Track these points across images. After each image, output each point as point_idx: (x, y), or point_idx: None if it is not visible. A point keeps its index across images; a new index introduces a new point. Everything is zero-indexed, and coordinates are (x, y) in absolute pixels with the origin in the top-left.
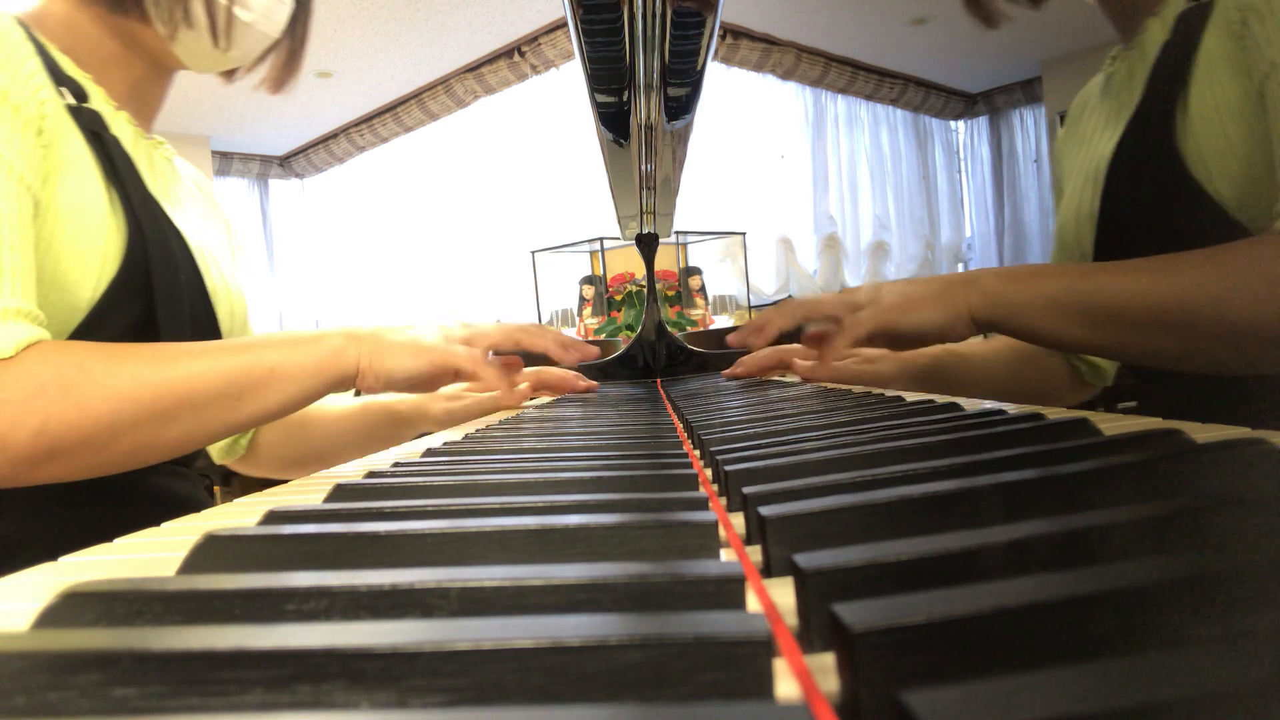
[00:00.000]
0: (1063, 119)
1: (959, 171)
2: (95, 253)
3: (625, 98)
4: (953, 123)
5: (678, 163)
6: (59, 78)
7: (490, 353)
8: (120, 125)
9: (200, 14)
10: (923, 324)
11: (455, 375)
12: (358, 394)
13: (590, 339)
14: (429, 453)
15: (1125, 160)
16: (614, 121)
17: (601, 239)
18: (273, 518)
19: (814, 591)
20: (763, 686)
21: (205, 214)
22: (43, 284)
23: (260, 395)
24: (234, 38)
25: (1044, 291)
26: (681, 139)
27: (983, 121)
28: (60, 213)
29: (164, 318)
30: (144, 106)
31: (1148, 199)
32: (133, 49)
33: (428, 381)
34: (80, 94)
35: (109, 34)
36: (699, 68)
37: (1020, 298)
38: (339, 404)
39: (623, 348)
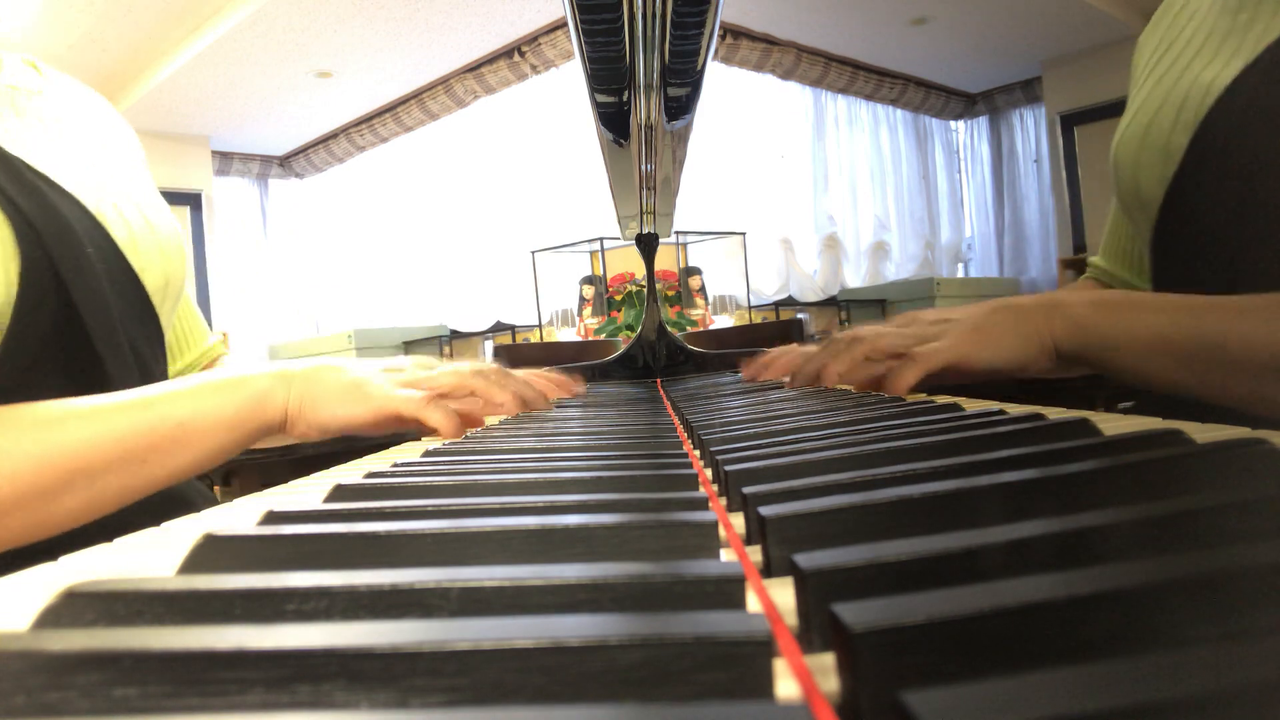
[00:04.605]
0: (1064, 120)
1: (959, 171)
2: None
3: (625, 98)
4: (953, 123)
5: (678, 163)
6: None
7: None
8: None
9: None
10: (1000, 359)
11: (398, 422)
12: None
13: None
14: (429, 453)
15: (1237, 108)
16: (614, 121)
17: (601, 239)
18: (273, 518)
19: (814, 591)
20: (763, 686)
21: (99, 149)
22: None
23: (169, 456)
24: None
25: (1149, 326)
26: (681, 139)
27: (983, 121)
28: None
29: (87, 312)
30: None
31: (1252, 163)
32: None
33: (366, 430)
34: None
35: None
36: (699, 68)
37: (1119, 332)
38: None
39: (623, 348)
